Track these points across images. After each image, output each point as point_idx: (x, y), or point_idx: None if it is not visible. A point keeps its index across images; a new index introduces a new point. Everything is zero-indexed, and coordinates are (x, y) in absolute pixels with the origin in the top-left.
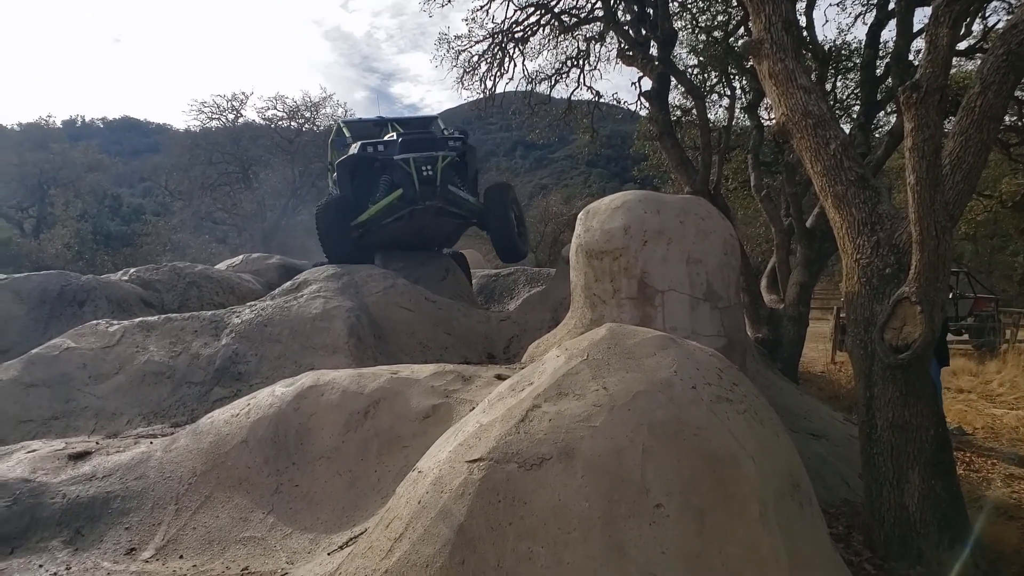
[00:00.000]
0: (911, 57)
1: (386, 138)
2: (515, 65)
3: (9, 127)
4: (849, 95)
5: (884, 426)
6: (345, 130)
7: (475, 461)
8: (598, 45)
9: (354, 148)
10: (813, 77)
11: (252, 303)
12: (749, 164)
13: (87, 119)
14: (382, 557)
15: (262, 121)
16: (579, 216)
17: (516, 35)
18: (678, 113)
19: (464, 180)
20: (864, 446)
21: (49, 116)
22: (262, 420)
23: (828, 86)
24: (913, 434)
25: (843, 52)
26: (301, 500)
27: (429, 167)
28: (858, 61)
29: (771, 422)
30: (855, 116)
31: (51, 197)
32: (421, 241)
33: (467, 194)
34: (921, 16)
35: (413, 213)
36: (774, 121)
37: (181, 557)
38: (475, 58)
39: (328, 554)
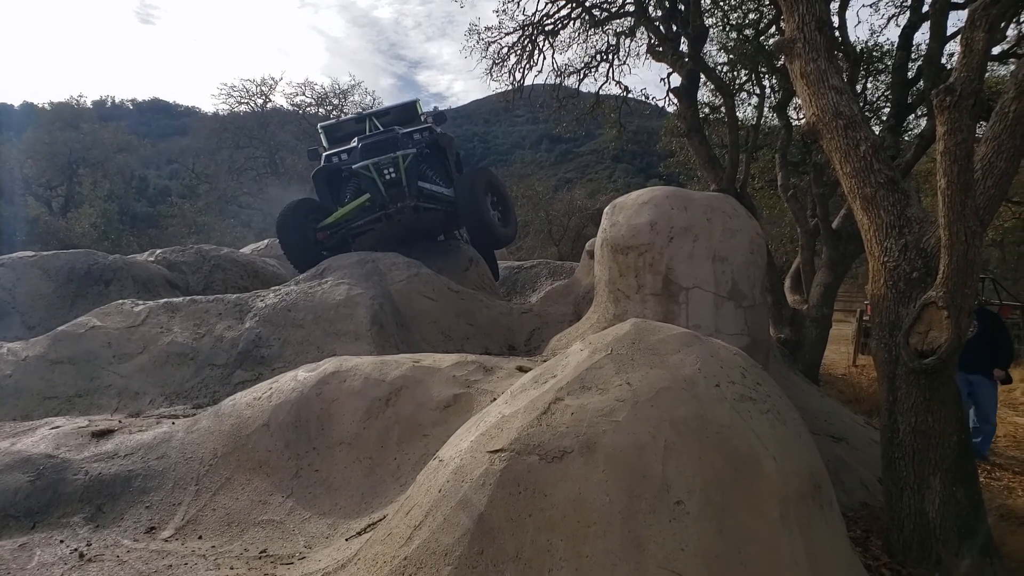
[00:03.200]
0: (944, 60)
1: (350, 145)
2: (544, 58)
3: (41, 106)
4: (880, 97)
5: (906, 431)
6: (322, 136)
7: (496, 452)
8: (628, 40)
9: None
10: (844, 78)
11: (276, 287)
12: (776, 163)
13: (117, 100)
14: (401, 544)
15: (290, 107)
16: (605, 211)
17: (546, 28)
18: (706, 110)
19: (439, 171)
20: (885, 450)
21: (80, 96)
22: (284, 404)
23: (859, 87)
24: (936, 440)
25: (875, 53)
26: (320, 485)
27: (391, 170)
28: (890, 63)
29: (794, 423)
30: (885, 118)
31: (79, 176)
32: (414, 236)
33: (442, 185)
34: (955, 19)
35: (389, 216)
36: (804, 121)
37: (200, 537)
38: (504, 50)
39: (346, 539)
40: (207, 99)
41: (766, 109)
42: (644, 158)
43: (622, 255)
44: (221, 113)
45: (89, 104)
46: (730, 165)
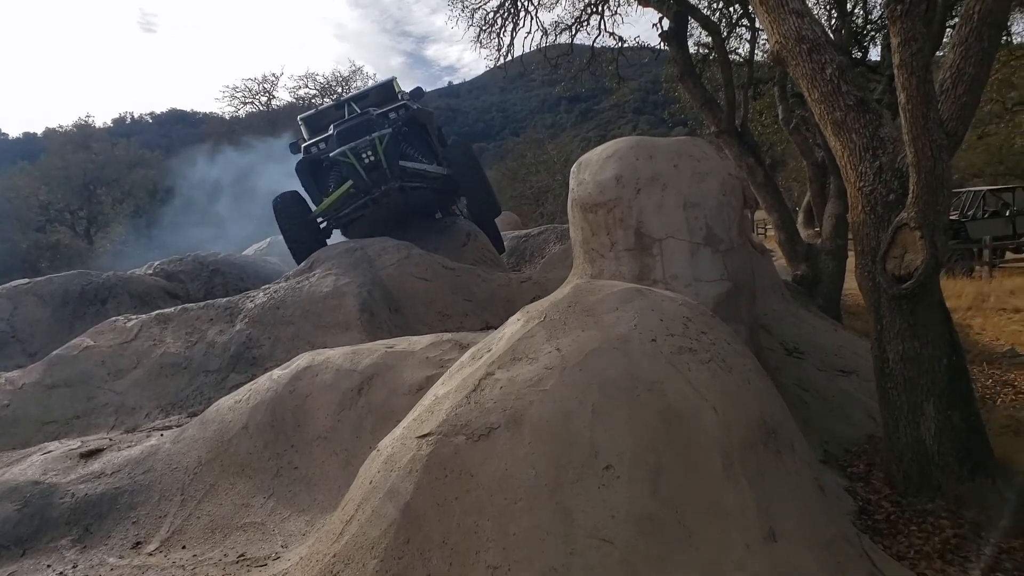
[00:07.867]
0: None
1: (326, 133)
2: (531, 18)
3: (59, 129)
4: (880, 16)
5: (895, 359)
6: (303, 128)
7: (424, 436)
8: None
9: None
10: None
11: (266, 286)
12: (775, 97)
13: (136, 115)
14: (332, 541)
15: (295, 100)
16: (572, 170)
17: None
18: (704, 51)
19: (420, 147)
20: (879, 381)
21: (88, 116)
22: (260, 405)
23: (851, 5)
24: (925, 365)
25: None
26: (300, 483)
27: (369, 153)
28: None
29: (741, 368)
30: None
31: (98, 197)
32: (407, 216)
33: (426, 162)
34: None
35: (375, 200)
36: (769, 49)
37: (184, 547)
38: (490, 15)
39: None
40: (213, 103)
41: (761, 43)
42: (666, 106)
43: (592, 213)
44: (228, 116)
45: (100, 124)
46: (727, 104)
